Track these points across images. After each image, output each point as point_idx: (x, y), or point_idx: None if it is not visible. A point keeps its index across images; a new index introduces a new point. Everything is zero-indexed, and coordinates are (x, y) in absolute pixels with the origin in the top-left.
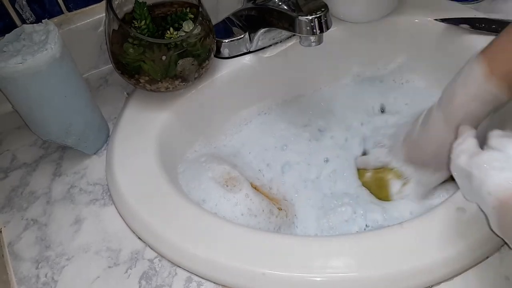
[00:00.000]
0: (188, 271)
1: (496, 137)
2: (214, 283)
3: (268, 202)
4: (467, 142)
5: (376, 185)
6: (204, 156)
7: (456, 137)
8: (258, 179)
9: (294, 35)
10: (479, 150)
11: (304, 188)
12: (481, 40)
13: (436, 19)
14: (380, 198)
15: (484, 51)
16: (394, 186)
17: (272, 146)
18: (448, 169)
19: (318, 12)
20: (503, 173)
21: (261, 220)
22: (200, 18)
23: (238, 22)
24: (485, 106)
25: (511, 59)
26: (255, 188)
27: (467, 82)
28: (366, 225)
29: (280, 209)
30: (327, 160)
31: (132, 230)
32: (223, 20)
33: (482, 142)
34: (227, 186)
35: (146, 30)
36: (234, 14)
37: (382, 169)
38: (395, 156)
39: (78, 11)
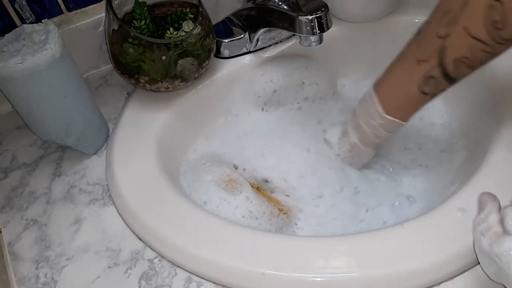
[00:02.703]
0: (188, 271)
1: None
2: (214, 283)
3: (269, 204)
4: (490, 219)
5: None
6: (204, 157)
7: None
8: (259, 180)
9: (294, 35)
10: (501, 232)
11: (306, 188)
12: None
13: None
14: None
15: (376, 87)
16: None
17: (272, 146)
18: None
19: (318, 12)
20: None
21: (262, 222)
22: (200, 18)
23: (238, 22)
24: (387, 131)
25: (399, 96)
26: (256, 189)
27: (369, 117)
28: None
29: (281, 210)
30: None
31: (132, 230)
32: (223, 20)
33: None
34: (228, 188)
35: (146, 30)
36: (234, 14)
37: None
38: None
39: (78, 11)
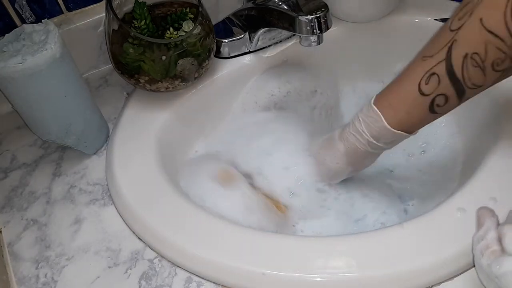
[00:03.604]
0: (188, 271)
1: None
2: (214, 283)
3: (267, 201)
4: (488, 237)
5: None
6: (204, 156)
7: None
8: (258, 179)
9: (294, 35)
10: (500, 251)
11: (305, 188)
12: None
13: (436, 19)
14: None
15: (380, 101)
16: None
17: (272, 146)
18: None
19: (318, 12)
20: None
21: (260, 216)
22: (200, 18)
23: (238, 22)
24: (387, 144)
25: (404, 110)
26: (254, 187)
27: (370, 126)
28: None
29: (278, 206)
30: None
31: (132, 230)
32: (223, 20)
33: None
34: (225, 184)
35: (146, 30)
36: (234, 14)
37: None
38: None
39: (78, 11)
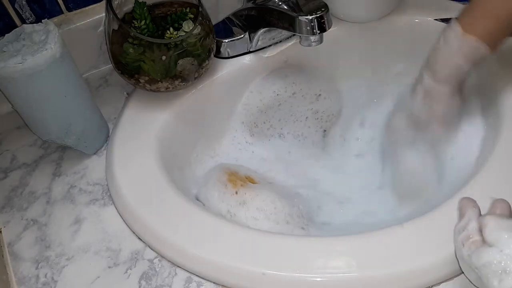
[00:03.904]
0: (188, 271)
1: (492, 231)
2: (214, 283)
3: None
4: (469, 227)
5: None
6: (203, 156)
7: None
8: (256, 178)
9: (294, 35)
10: (481, 241)
11: (309, 189)
12: None
13: (436, 19)
14: None
15: (458, 18)
16: None
17: (272, 145)
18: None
19: (318, 12)
20: (502, 283)
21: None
22: (200, 18)
23: (238, 22)
24: (467, 60)
25: (485, 18)
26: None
27: (449, 41)
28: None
29: (233, 183)
30: (329, 154)
31: (132, 230)
32: (223, 20)
33: None
34: (228, 186)
35: (146, 30)
36: (234, 14)
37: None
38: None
39: (78, 11)
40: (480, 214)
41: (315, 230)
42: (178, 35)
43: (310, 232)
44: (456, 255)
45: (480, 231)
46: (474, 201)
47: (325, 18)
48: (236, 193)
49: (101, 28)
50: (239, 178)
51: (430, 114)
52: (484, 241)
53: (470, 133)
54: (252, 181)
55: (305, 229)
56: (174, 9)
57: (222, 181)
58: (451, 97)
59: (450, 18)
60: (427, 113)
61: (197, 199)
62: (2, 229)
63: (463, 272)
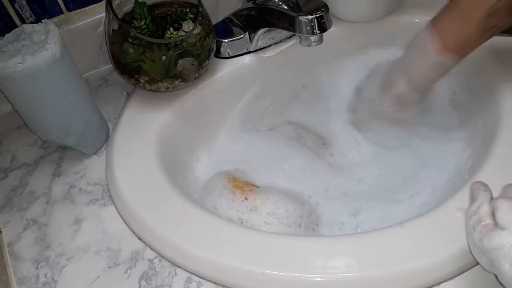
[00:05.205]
0: (188, 271)
1: (505, 214)
2: (214, 283)
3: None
4: (481, 211)
5: None
6: (203, 155)
7: None
8: (256, 181)
9: (294, 35)
10: (493, 225)
11: (309, 189)
12: None
13: None
14: None
15: (434, 23)
16: None
17: (272, 146)
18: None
19: (318, 12)
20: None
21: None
22: (200, 18)
23: (238, 22)
24: (444, 73)
25: (461, 31)
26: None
27: (423, 56)
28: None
29: (241, 190)
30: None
31: (132, 230)
32: (223, 20)
33: None
34: (235, 193)
35: (146, 30)
36: (234, 14)
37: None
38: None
39: (78, 11)
40: (492, 198)
41: (326, 229)
42: (178, 35)
43: (321, 232)
44: (467, 241)
45: (492, 214)
46: (486, 185)
47: (325, 18)
48: (246, 199)
49: (101, 28)
50: (243, 184)
51: (397, 115)
52: (496, 225)
53: (468, 134)
54: (253, 185)
55: (315, 230)
56: (174, 9)
57: (228, 188)
58: (420, 102)
59: None
60: (394, 114)
61: None
62: (2, 229)
63: (473, 256)
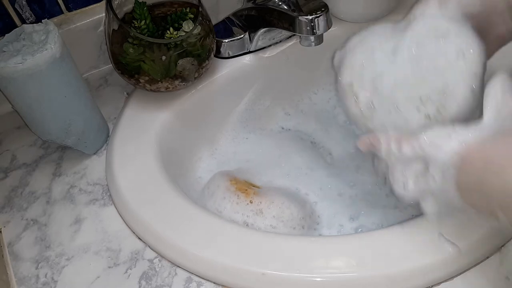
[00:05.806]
0: (188, 271)
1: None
2: (214, 283)
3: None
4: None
5: None
6: (203, 155)
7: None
8: (256, 181)
9: (294, 35)
10: (409, 138)
11: (310, 189)
12: None
13: None
14: None
15: None
16: None
17: (272, 145)
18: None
19: (318, 12)
20: (451, 141)
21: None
22: (200, 18)
23: (238, 22)
24: None
25: None
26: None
27: None
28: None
29: (246, 192)
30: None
31: (132, 230)
32: (223, 20)
33: None
34: (240, 196)
35: (146, 30)
36: (234, 14)
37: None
38: None
39: (78, 11)
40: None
41: (326, 229)
42: (178, 35)
43: (321, 231)
44: (392, 172)
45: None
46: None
47: (325, 18)
48: (251, 202)
49: (101, 28)
50: (245, 185)
51: None
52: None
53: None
54: (254, 185)
55: (316, 229)
56: (174, 9)
57: (231, 190)
58: None
59: None
60: None
61: None
62: (2, 229)
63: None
